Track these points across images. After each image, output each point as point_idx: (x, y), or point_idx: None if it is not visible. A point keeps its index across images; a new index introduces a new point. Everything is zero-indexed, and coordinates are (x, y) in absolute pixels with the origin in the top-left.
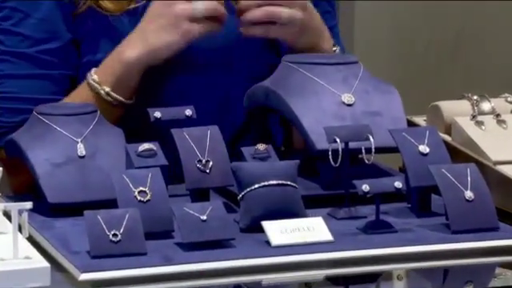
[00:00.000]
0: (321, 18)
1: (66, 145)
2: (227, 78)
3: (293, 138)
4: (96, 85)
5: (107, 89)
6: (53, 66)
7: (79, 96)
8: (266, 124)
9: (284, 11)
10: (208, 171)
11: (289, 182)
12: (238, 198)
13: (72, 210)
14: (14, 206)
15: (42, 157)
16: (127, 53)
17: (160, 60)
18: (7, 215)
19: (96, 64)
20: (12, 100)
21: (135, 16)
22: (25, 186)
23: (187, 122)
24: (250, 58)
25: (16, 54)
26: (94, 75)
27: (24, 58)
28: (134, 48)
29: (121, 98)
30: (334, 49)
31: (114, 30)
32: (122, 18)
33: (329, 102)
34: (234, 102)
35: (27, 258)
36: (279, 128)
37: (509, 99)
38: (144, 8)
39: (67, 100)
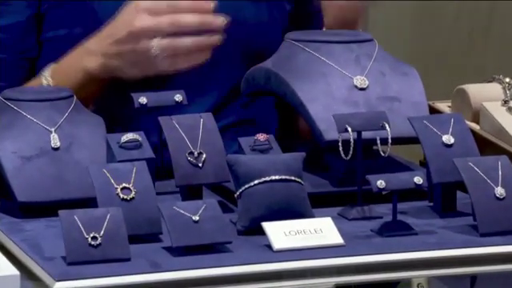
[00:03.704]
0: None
1: (37, 135)
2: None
3: (299, 127)
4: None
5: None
6: (7, 46)
7: None
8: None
9: None
10: (201, 165)
11: (293, 178)
12: (235, 195)
13: (45, 209)
14: None
15: (10, 149)
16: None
17: None
18: None
19: (64, 39)
20: None
21: None
22: None
23: (177, 109)
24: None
25: None
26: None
27: None
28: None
29: None
30: None
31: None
32: None
33: (339, 86)
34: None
35: None
36: (273, 116)
37: None
38: None
39: None
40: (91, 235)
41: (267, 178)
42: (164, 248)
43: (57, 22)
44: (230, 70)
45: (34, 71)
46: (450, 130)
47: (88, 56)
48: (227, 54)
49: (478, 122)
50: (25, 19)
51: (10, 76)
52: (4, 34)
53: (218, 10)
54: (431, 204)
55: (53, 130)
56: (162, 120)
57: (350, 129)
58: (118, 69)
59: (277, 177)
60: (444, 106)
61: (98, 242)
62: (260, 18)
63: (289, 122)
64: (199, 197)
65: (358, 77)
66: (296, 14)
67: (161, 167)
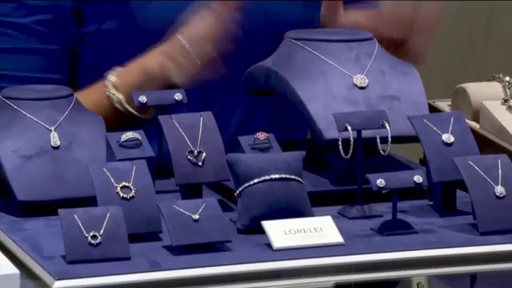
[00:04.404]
0: None
1: (37, 134)
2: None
3: None
4: (113, 90)
5: (121, 96)
6: (50, 39)
7: (91, 95)
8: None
9: None
10: (200, 164)
11: (293, 176)
12: (235, 194)
13: (45, 208)
14: None
15: (10, 148)
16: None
17: None
18: None
19: (105, 34)
20: (5, 79)
21: None
22: None
23: (177, 108)
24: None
25: (10, 24)
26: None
27: (19, 29)
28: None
29: (132, 111)
30: None
31: None
32: None
33: (339, 85)
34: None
35: None
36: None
37: None
38: None
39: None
40: (91, 234)
41: (267, 177)
42: (164, 247)
43: (93, 16)
44: None
45: (76, 66)
46: (450, 128)
47: (149, 55)
48: (263, 53)
49: (478, 121)
50: (64, 12)
51: (61, 68)
52: (47, 27)
53: (253, 10)
54: (431, 203)
55: (52, 128)
56: (162, 119)
57: (349, 128)
58: (171, 70)
59: (277, 175)
60: (444, 105)
61: (97, 241)
62: (297, 16)
63: None
64: (199, 195)
65: (358, 76)
66: None
67: (161, 166)
